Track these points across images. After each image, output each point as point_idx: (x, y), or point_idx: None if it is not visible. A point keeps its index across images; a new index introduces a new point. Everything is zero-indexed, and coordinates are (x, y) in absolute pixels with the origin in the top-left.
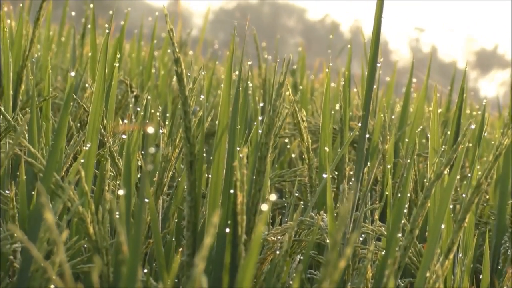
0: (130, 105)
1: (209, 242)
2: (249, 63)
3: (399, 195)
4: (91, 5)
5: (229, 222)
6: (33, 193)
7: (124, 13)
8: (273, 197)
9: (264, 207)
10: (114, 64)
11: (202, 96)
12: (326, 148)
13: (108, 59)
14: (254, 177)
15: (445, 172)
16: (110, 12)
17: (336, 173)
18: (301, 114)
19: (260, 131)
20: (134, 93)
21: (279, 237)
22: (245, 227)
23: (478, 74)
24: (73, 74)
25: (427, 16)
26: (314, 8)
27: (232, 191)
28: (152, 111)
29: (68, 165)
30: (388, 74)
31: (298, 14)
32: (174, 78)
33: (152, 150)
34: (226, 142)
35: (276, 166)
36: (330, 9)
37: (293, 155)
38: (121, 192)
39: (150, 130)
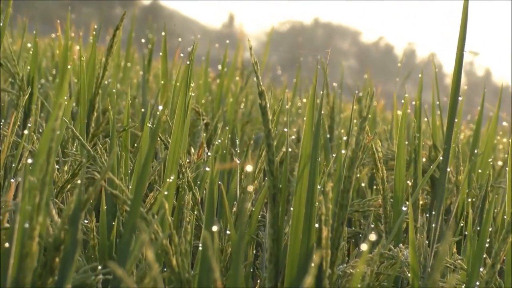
0: (204, 134)
1: (311, 281)
2: (322, 92)
3: (479, 228)
4: (163, 33)
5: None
6: (113, 223)
7: (176, 34)
8: (372, 237)
9: (364, 246)
10: (190, 93)
11: (285, 129)
12: (408, 182)
13: (181, 87)
14: (337, 210)
15: None
16: (180, 39)
17: (406, 203)
18: (376, 145)
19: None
20: (205, 121)
21: (357, 270)
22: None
23: None
24: (160, 107)
25: (482, 39)
26: (368, 30)
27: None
28: (222, 139)
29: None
30: (444, 97)
31: (352, 37)
32: (242, 105)
33: (250, 188)
34: (308, 175)
35: None
36: (384, 31)
37: (362, 184)
38: (214, 228)
39: (249, 168)
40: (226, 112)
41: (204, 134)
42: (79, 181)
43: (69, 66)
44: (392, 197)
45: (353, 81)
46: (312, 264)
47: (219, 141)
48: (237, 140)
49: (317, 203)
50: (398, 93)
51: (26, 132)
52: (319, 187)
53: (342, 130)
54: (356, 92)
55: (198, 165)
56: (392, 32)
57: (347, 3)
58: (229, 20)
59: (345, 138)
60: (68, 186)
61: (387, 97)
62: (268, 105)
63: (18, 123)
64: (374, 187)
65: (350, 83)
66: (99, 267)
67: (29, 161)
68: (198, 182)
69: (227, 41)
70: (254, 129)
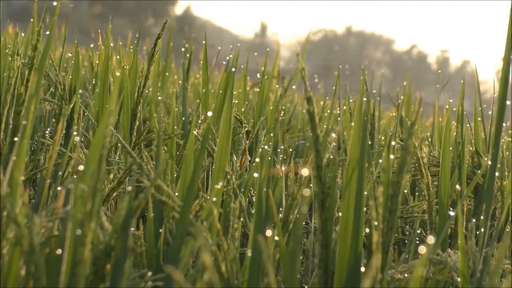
0: (246, 141)
1: (369, 284)
2: (365, 99)
3: None
4: (204, 42)
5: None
6: (160, 230)
7: (210, 44)
8: (431, 239)
9: (422, 249)
10: (233, 101)
11: (333, 135)
12: (457, 186)
13: (226, 95)
14: (386, 215)
15: None
16: (219, 48)
17: (451, 209)
18: (421, 151)
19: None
20: (246, 129)
21: (405, 275)
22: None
23: None
24: (210, 113)
25: None
26: (401, 39)
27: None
28: (266, 146)
29: None
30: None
31: (385, 45)
32: (282, 114)
33: (307, 192)
34: (356, 181)
35: None
36: (417, 39)
37: (405, 191)
38: (269, 232)
39: (305, 172)
40: (266, 120)
41: (248, 142)
42: (126, 189)
43: (117, 73)
44: (437, 203)
45: (387, 90)
46: (363, 269)
47: (266, 147)
48: (281, 147)
49: (365, 209)
50: (435, 101)
51: (77, 138)
52: (365, 192)
53: (382, 137)
54: (398, 99)
55: (241, 173)
56: (425, 40)
57: (380, 11)
58: (262, 29)
59: (393, 143)
60: (114, 194)
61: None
62: (316, 111)
63: (64, 131)
64: (417, 193)
65: (384, 92)
66: (149, 274)
67: (81, 167)
68: (242, 189)
69: (267, 49)
70: (294, 137)
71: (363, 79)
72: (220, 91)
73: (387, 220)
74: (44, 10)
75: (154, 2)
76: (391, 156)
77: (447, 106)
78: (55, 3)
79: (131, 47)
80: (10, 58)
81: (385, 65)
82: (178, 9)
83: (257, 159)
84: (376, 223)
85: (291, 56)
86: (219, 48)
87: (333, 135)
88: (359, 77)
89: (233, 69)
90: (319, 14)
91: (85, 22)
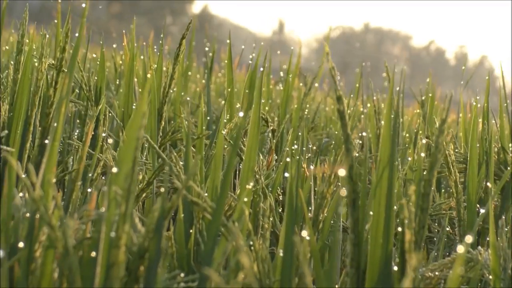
0: (273, 140)
1: (409, 283)
2: (393, 97)
3: None
4: (228, 41)
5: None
6: (190, 231)
7: (226, 43)
8: (469, 238)
9: (460, 248)
10: (260, 100)
11: (363, 133)
12: (488, 184)
13: (255, 95)
14: (418, 213)
15: None
16: (243, 46)
17: (478, 206)
18: (449, 148)
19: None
20: (271, 128)
21: (436, 273)
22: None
23: None
24: (241, 114)
25: None
26: (419, 35)
27: (399, 228)
28: (295, 145)
29: None
30: (495, 101)
31: (403, 41)
32: (306, 111)
33: (344, 192)
34: (387, 179)
35: None
36: (435, 35)
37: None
38: (304, 233)
39: (341, 172)
40: (291, 118)
41: (274, 141)
42: (153, 190)
43: (148, 75)
44: (465, 200)
45: (407, 86)
46: (395, 268)
47: (295, 146)
48: (309, 146)
49: (395, 207)
50: (457, 97)
51: (110, 141)
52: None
53: (406, 134)
54: (422, 95)
55: (269, 173)
56: (443, 36)
57: (397, 8)
58: (279, 27)
59: (424, 141)
60: (143, 195)
61: (440, 101)
62: (346, 110)
63: (92, 132)
64: (442, 190)
65: (405, 88)
66: (182, 275)
67: (114, 170)
68: (270, 189)
69: (291, 48)
70: (317, 135)
71: (388, 76)
72: (246, 91)
73: (419, 219)
74: (68, 11)
75: (172, 1)
76: (422, 155)
77: (473, 103)
78: (83, 5)
79: (155, 47)
80: (35, 60)
81: (403, 61)
82: (196, 8)
83: (288, 159)
84: (407, 221)
85: (310, 53)
86: (243, 47)
87: (363, 133)
88: (378, 73)
89: (261, 69)
90: (336, 11)
91: (103, 22)
